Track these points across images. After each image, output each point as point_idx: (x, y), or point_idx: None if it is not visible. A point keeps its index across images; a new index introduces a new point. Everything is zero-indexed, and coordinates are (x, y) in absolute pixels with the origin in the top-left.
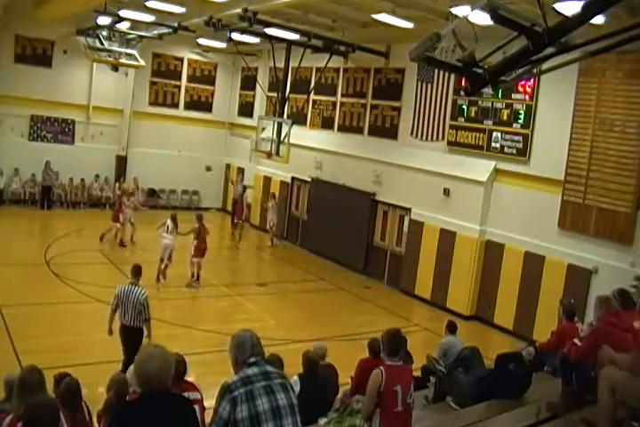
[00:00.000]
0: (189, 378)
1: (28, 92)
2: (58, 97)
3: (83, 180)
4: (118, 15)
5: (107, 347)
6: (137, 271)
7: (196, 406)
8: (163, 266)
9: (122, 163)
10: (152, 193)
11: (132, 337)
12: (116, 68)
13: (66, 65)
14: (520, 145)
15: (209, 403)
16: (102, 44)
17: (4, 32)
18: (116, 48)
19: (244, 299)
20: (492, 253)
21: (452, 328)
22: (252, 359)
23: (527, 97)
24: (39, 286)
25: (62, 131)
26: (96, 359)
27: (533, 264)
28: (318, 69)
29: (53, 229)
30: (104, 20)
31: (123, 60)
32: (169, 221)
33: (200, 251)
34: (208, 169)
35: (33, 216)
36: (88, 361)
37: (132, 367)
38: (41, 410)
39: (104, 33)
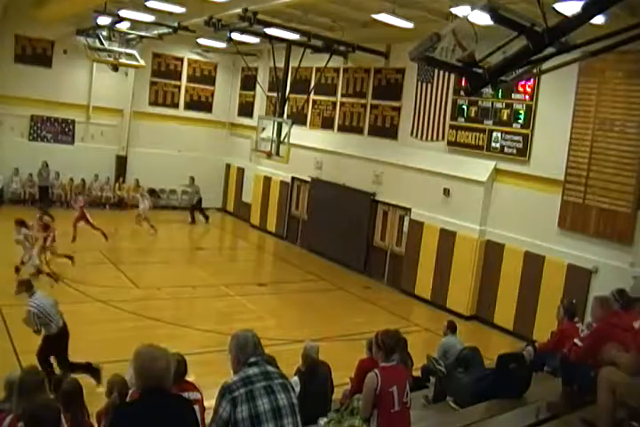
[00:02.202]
0: (190, 378)
1: (28, 92)
2: (58, 97)
3: (83, 180)
4: (118, 15)
5: (105, 347)
6: (28, 286)
7: (196, 406)
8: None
9: (122, 163)
10: (152, 193)
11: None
12: (115, 67)
13: (66, 65)
14: (520, 145)
15: (209, 403)
16: (102, 44)
17: (4, 32)
18: (116, 48)
19: (244, 299)
20: (491, 252)
21: (452, 328)
22: (253, 359)
23: (527, 97)
24: (38, 286)
25: (62, 131)
26: (94, 360)
27: (533, 264)
28: (318, 69)
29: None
30: (104, 20)
31: (123, 60)
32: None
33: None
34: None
35: (32, 216)
36: (89, 361)
37: (130, 368)
38: (42, 411)
39: (104, 33)
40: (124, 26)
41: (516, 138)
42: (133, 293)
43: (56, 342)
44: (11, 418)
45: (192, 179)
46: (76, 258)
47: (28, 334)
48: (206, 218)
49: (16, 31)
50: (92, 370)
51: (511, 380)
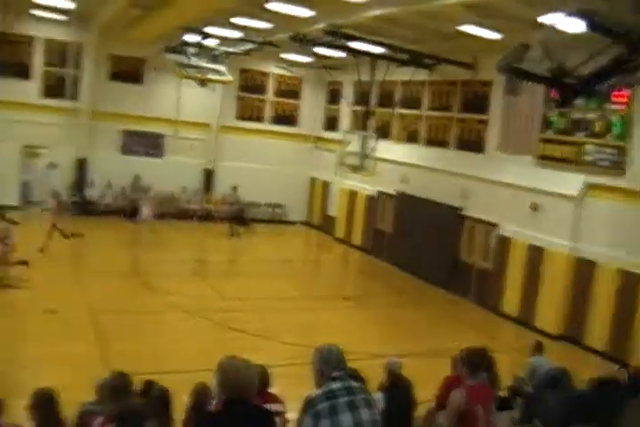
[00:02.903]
0: (273, 390)
1: (121, 107)
2: (148, 112)
3: (171, 192)
4: (205, 32)
5: (189, 357)
6: None
7: (278, 419)
8: None
9: (209, 176)
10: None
11: None
12: (203, 83)
13: (156, 81)
14: (615, 158)
15: (291, 416)
16: (190, 60)
17: (100, 52)
18: (203, 64)
19: (329, 312)
20: (583, 270)
21: (539, 348)
22: (336, 374)
23: (623, 107)
24: (131, 295)
25: (152, 145)
26: (181, 368)
27: (629, 283)
28: (403, 82)
29: (144, 240)
30: (192, 38)
31: (210, 76)
32: None
33: None
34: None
35: (124, 227)
36: (173, 369)
37: (213, 379)
38: (131, 414)
39: (192, 50)
40: (211, 42)
41: (610, 150)
42: (218, 304)
43: None
44: (102, 420)
45: (234, 189)
46: (165, 269)
47: (119, 340)
48: (244, 226)
49: (110, 51)
50: None
51: (602, 404)
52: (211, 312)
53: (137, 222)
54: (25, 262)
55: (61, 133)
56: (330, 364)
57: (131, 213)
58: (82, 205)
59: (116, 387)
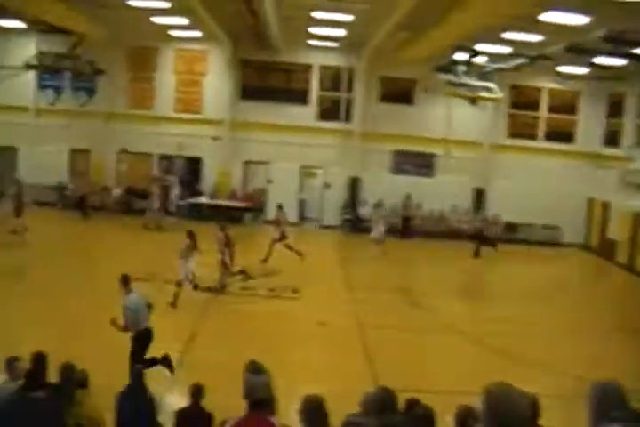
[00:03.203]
0: (541, 422)
1: (391, 128)
2: (418, 132)
3: (441, 211)
4: (474, 50)
5: (459, 377)
6: (126, 280)
7: None
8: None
9: (479, 195)
10: (510, 227)
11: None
12: (474, 101)
13: (426, 101)
14: None
15: None
16: (460, 79)
17: (371, 74)
18: (473, 82)
19: (607, 344)
20: None
21: None
22: (616, 414)
23: None
24: (398, 312)
25: (422, 164)
26: (447, 388)
27: None
28: None
29: (413, 258)
30: (461, 56)
31: (481, 94)
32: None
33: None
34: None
35: (395, 245)
36: (439, 389)
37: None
38: None
39: (462, 68)
40: (480, 60)
41: None
42: (484, 326)
43: (140, 341)
44: None
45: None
46: (435, 287)
47: (385, 355)
48: (491, 246)
49: (381, 73)
50: (165, 362)
51: None
52: (480, 334)
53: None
54: (244, 272)
55: (335, 154)
56: (607, 402)
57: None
58: (354, 222)
59: (382, 402)
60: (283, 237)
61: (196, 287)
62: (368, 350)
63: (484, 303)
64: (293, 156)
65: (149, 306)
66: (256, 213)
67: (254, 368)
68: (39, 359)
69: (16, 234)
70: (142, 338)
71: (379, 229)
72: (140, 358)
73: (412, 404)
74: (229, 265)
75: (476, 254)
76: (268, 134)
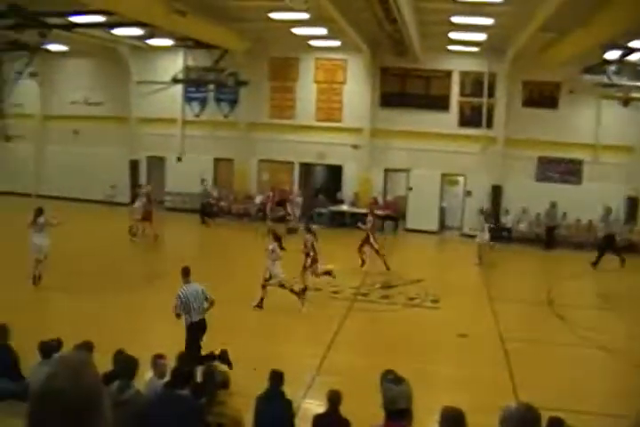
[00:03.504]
0: None
1: (535, 134)
2: (564, 137)
3: (590, 221)
4: (628, 47)
5: (606, 397)
6: (186, 272)
7: None
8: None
9: (633, 204)
10: None
11: (203, 327)
12: (626, 103)
13: (571, 105)
14: None
15: None
16: (610, 79)
17: (514, 79)
18: (626, 82)
19: None
20: None
21: None
22: None
23: None
24: (540, 325)
25: (569, 171)
26: (594, 409)
27: None
28: None
29: (556, 269)
30: (612, 55)
31: (634, 95)
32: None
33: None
34: None
35: (536, 256)
36: (585, 409)
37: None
38: None
39: (612, 68)
40: (634, 57)
41: None
42: (632, 343)
43: (191, 332)
44: None
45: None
46: (579, 301)
47: (525, 369)
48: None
49: (523, 77)
50: (222, 358)
51: None
52: (627, 351)
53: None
54: (329, 273)
55: (477, 161)
56: None
57: (546, 240)
58: (497, 231)
59: (524, 420)
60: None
61: (282, 286)
62: (509, 363)
63: (630, 318)
64: (434, 163)
65: (208, 300)
66: (396, 220)
67: (394, 378)
68: (184, 358)
69: (135, 236)
70: (193, 329)
71: (482, 236)
72: (191, 348)
73: (555, 423)
74: (316, 267)
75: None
76: (409, 142)
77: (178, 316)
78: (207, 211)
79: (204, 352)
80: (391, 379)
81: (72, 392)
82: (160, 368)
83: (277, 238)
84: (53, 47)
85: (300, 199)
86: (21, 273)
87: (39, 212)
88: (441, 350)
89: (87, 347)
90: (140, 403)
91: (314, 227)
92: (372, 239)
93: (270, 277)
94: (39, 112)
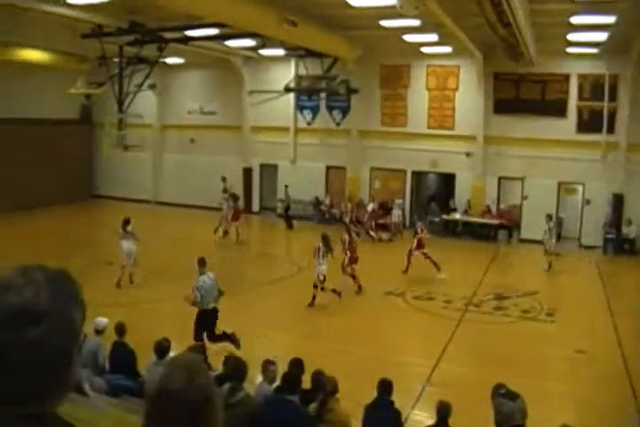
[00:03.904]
0: None
1: None
2: None
3: None
4: None
5: None
6: (202, 262)
7: None
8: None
9: None
10: None
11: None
12: None
13: None
14: None
15: None
16: None
17: (638, 80)
18: None
19: None
20: None
21: None
22: None
23: None
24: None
25: None
26: None
27: None
28: None
29: None
30: None
31: None
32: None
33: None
34: None
35: None
36: None
37: None
38: None
39: None
40: None
41: None
42: None
43: (204, 318)
44: None
45: None
46: None
47: None
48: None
49: None
50: (233, 339)
51: None
52: None
53: None
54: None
55: (597, 169)
56: None
57: None
58: (618, 242)
59: None
60: (419, 245)
61: (322, 289)
62: (632, 383)
63: None
64: (550, 171)
65: (220, 291)
66: (510, 230)
67: (508, 393)
68: (297, 364)
69: (222, 235)
70: (205, 316)
71: (551, 243)
72: (211, 333)
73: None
74: (353, 268)
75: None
76: (523, 149)
77: (194, 304)
78: (287, 215)
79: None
80: (505, 394)
81: (187, 393)
82: (270, 373)
83: (325, 240)
84: (170, 60)
85: (398, 210)
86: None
87: (126, 221)
88: (556, 366)
89: (199, 349)
90: (250, 406)
91: (353, 228)
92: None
93: (325, 279)
94: (157, 122)
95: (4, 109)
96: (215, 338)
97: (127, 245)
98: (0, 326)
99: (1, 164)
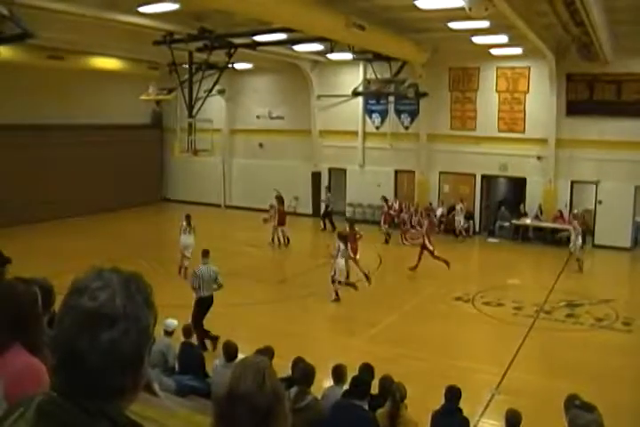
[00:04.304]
0: None
1: None
2: None
3: None
4: None
5: None
6: (206, 254)
7: None
8: None
9: None
10: None
11: (208, 304)
12: None
13: None
14: None
15: None
16: None
17: None
18: None
19: None
20: None
21: None
22: None
23: None
24: None
25: None
26: None
27: None
28: None
29: None
30: None
31: None
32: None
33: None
34: None
35: None
36: None
37: None
38: None
39: None
40: None
41: None
42: None
43: (198, 305)
44: None
45: None
46: None
47: None
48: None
49: None
50: (212, 337)
51: None
52: None
53: None
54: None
55: None
56: None
57: None
58: None
59: None
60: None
61: (340, 282)
62: None
63: None
64: (626, 174)
65: (217, 282)
66: (584, 235)
67: (583, 404)
68: (367, 369)
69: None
70: (201, 303)
71: (576, 243)
72: (198, 321)
73: None
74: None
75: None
76: (597, 152)
77: (194, 289)
78: (326, 216)
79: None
80: (580, 405)
81: (257, 395)
82: (340, 378)
83: (342, 238)
84: (239, 65)
85: (458, 215)
86: None
87: (188, 217)
88: (631, 377)
89: (268, 352)
90: (318, 411)
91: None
92: (426, 242)
93: (335, 273)
94: (226, 127)
95: (79, 116)
96: (197, 327)
97: (185, 239)
98: (75, 328)
99: (74, 168)
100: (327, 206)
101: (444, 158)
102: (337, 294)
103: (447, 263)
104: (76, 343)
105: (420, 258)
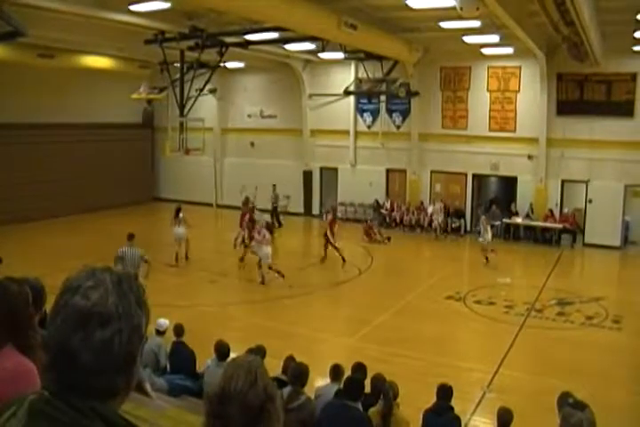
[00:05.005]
0: None
1: None
2: None
3: None
4: None
5: None
6: (130, 237)
7: None
8: None
9: None
10: None
11: None
12: None
13: None
14: None
15: None
16: None
17: None
18: None
19: None
20: None
21: None
22: None
23: None
24: None
25: None
26: None
27: None
28: None
29: None
30: None
31: None
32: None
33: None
34: None
35: None
36: None
37: None
38: None
39: None
40: None
41: None
42: None
43: None
44: None
45: None
46: None
47: None
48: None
49: None
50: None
51: None
52: None
53: None
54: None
55: None
56: None
57: None
58: None
59: None
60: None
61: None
62: None
63: None
64: (616, 173)
65: (144, 260)
66: (574, 234)
67: (576, 402)
68: (360, 368)
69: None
70: None
71: (485, 237)
72: None
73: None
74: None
75: None
76: (588, 151)
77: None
78: (274, 213)
79: None
80: (572, 404)
81: (249, 394)
82: (338, 377)
83: (268, 227)
84: (231, 64)
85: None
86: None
87: (178, 210)
88: (621, 376)
89: (260, 351)
90: (311, 411)
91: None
92: (328, 233)
93: (261, 259)
94: (217, 126)
95: (69, 115)
96: None
97: (178, 230)
98: (67, 327)
99: (66, 167)
100: (274, 204)
101: (435, 157)
102: (263, 278)
103: (343, 260)
104: (68, 342)
105: (326, 248)
